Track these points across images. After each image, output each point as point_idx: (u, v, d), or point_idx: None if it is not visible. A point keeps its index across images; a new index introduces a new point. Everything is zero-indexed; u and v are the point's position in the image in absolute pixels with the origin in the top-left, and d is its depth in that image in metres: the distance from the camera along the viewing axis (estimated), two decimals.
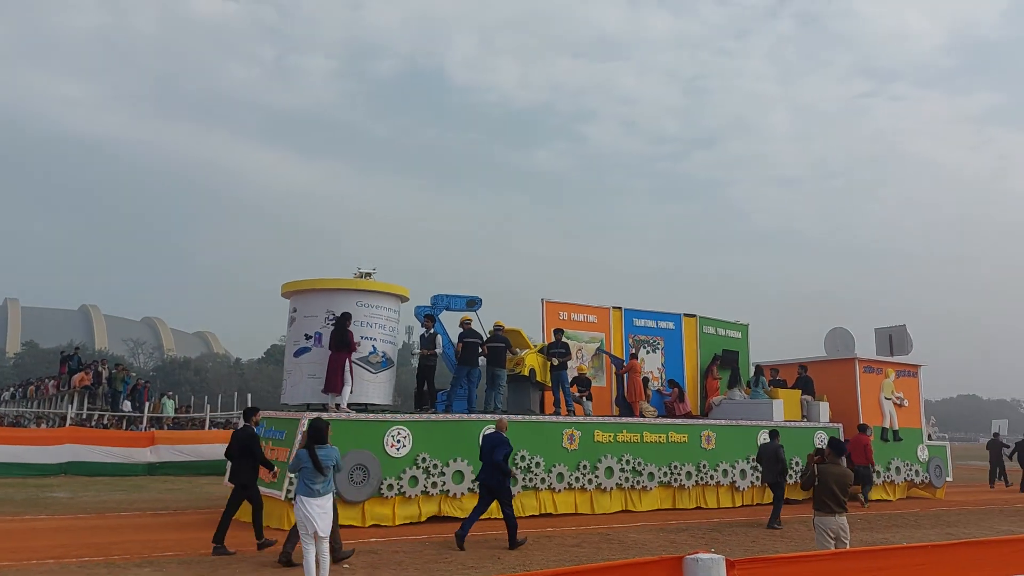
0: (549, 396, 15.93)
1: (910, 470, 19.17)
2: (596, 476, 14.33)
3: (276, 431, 12.50)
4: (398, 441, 12.34)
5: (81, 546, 9.81)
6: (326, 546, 7.69)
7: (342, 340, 12.40)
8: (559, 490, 13.89)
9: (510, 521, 10.57)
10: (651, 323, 18.72)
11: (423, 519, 12.42)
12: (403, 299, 14.05)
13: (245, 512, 10.29)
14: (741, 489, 16.22)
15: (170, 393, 36.01)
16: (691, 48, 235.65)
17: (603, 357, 17.62)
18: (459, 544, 10.19)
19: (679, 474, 15.39)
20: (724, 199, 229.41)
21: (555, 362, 15.10)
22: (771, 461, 13.85)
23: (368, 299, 13.41)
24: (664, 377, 18.35)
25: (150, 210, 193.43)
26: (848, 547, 7.76)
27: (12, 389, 41.72)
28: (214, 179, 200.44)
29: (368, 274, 13.57)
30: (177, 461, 20.85)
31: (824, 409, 18.34)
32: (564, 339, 15.54)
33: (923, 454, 19.62)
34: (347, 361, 12.43)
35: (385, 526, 12.00)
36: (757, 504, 16.07)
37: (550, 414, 14.93)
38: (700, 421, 16.66)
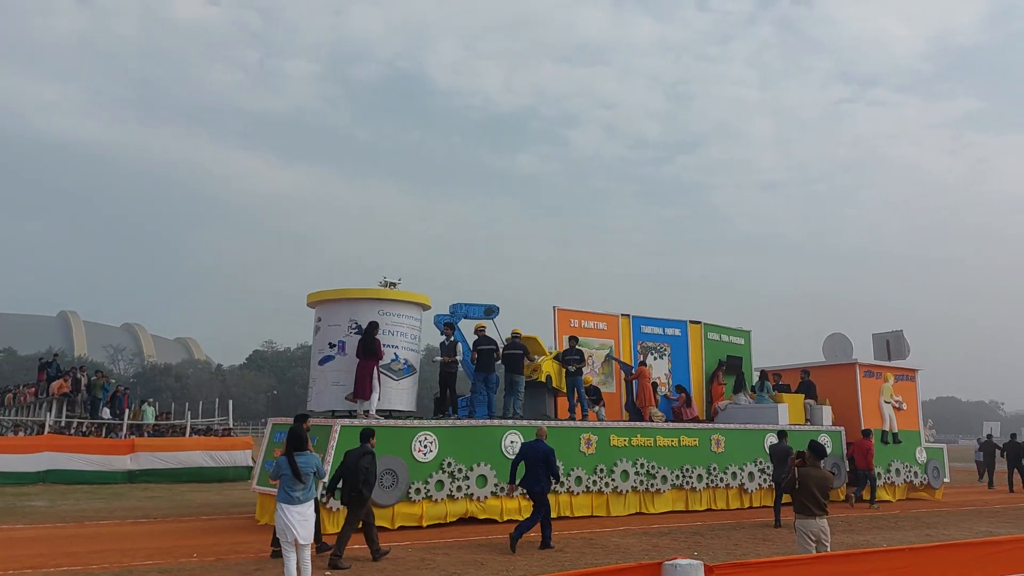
0: (562, 401, 16.36)
1: (909, 472, 19.70)
2: (612, 479, 14.74)
3: (311, 437, 12.80)
4: (425, 447, 12.72)
5: (59, 555, 9.74)
6: (307, 553, 7.77)
7: (370, 348, 12.76)
8: (577, 493, 14.28)
9: (545, 522, 11.09)
10: (658, 330, 19.24)
11: (449, 520, 12.78)
12: (425, 307, 14.41)
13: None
14: (750, 491, 16.67)
15: (150, 400, 35.63)
16: (674, 53, 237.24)
17: (612, 363, 18.07)
18: (511, 547, 10.65)
19: (691, 477, 15.82)
20: (708, 203, 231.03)
21: (571, 369, 15.50)
22: (782, 461, 14.29)
23: (390, 308, 13.74)
24: (671, 383, 18.82)
25: (131, 215, 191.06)
26: (829, 550, 7.76)
27: None
28: (195, 183, 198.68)
29: (393, 284, 13.94)
30: (157, 469, 20.50)
31: (827, 413, 18.84)
32: (577, 346, 15.96)
33: (921, 456, 20.17)
34: (375, 368, 12.79)
35: (413, 527, 12.33)
36: (764, 506, 16.46)
37: (564, 419, 15.32)
38: (709, 425, 17.11)
